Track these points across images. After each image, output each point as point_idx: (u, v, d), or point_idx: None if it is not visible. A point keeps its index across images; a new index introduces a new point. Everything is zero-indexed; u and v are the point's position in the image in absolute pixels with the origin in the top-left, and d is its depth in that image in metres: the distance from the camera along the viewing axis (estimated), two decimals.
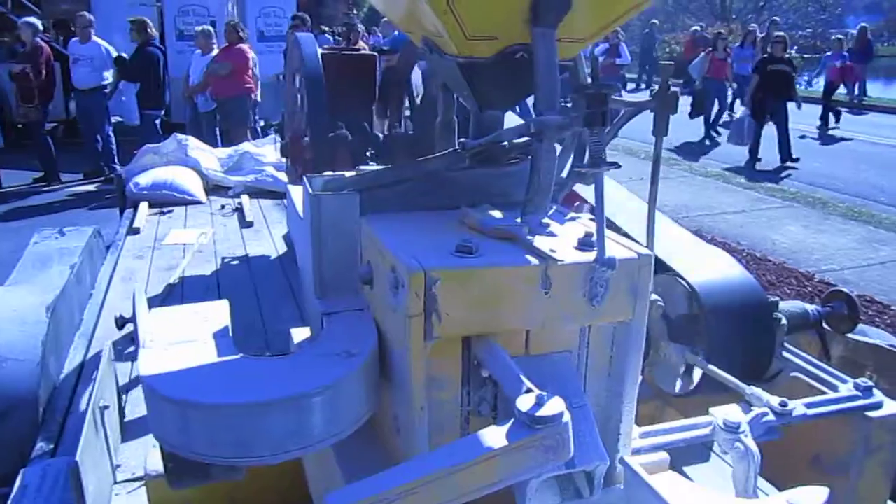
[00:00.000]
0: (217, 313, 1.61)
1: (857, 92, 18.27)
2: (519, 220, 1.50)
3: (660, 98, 1.78)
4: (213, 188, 6.07)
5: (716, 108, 13.94)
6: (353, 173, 1.82)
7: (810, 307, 2.26)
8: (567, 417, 1.13)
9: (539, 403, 1.13)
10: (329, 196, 1.56)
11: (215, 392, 1.25)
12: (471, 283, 1.27)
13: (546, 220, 1.51)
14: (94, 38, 9.14)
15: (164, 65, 9.48)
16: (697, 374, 1.97)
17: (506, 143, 1.62)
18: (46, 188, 9.12)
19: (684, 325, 2.00)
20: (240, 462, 1.30)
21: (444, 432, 1.39)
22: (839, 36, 16.17)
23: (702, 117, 13.74)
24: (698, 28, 18.73)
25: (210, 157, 6.26)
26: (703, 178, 10.58)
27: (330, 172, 1.89)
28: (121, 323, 1.78)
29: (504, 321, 1.32)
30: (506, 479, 1.12)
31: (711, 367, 1.87)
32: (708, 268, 2.09)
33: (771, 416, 1.64)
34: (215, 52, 9.27)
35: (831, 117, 14.89)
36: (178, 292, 3.91)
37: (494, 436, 1.11)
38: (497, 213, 1.56)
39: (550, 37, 1.43)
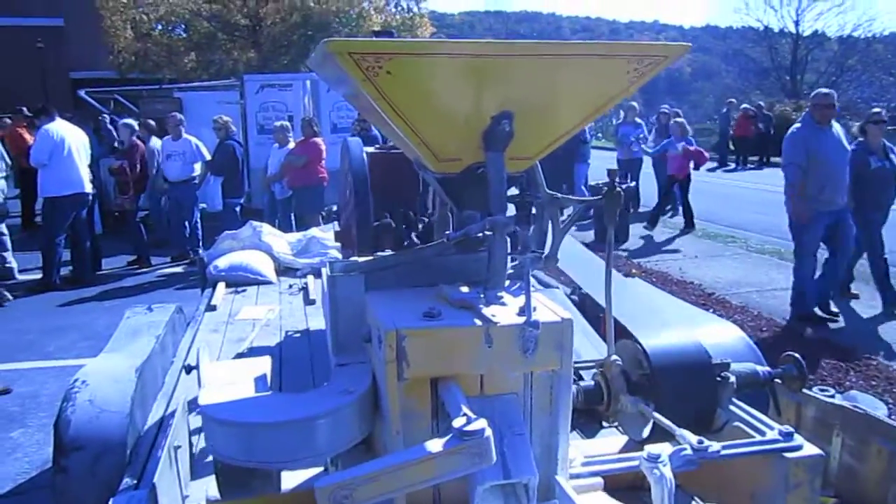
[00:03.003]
0: (260, 365, 2.14)
1: None
2: (482, 294, 1.99)
3: (609, 197, 2.28)
4: (284, 270, 6.71)
5: None
6: (369, 258, 2.35)
7: (761, 368, 2.63)
8: (489, 433, 1.59)
9: (468, 422, 1.60)
10: (341, 276, 2.10)
11: (248, 415, 1.77)
12: (431, 338, 1.77)
13: (502, 293, 2.00)
14: (185, 135, 10.21)
15: (243, 157, 10.44)
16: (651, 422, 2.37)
17: (480, 234, 2.13)
18: (139, 270, 10.07)
19: (640, 382, 2.41)
20: (264, 465, 1.80)
21: None
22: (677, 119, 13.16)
23: None
24: (748, 105, 18.77)
25: (281, 242, 6.93)
26: (758, 255, 10.75)
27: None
28: (188, 369, 2.33)
29: (458, 367, 1.80)
30: (443, 476, 1.58)
31: (656, 414, 2.27)
32: (663, 334, 2.51)
33: (689, 451, 2.04)
34: (291, 144, 10.19)
35: None
36: None
37: (435, 444, 1.58)
38: (465, 289, 2.06)
39: (499, 158, 1.96)
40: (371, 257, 2.33)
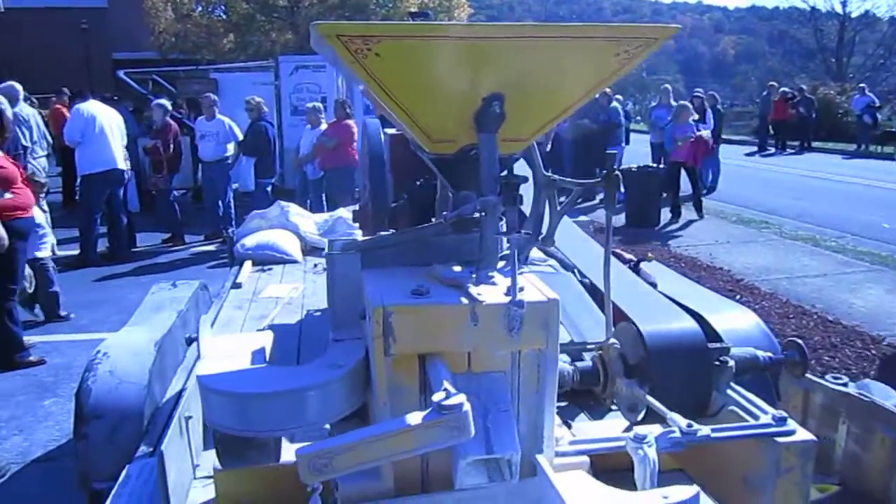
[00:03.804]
0: (260, 339, 2.21)
1: None
2: (473, 274, 2.03)
3: (608, 179, 2.30)
4: (311, 249, 6.80)
5: None
6: (368, 237, 2.40)
7: (762, 353, 2.63)
8: (467, 407, 1.63)
9: (447, 396, 1.64)
10: (339, 255, 2.15)
11: (242, 385, 1.84)
12: (418, 315, 1.81)
13: (494, 273, 2.03)
14: (219, 115, 10.37)
15: (275, 138, 10.58)
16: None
17: (477, 214, 2.16)
18: (173, 248, 10.30)
19: (637, 365, 2.43)
20: (256, 434, 1.87)
21: None
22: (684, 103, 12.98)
23: None
24: (787, 89, 18.34)
25: (308, 222, 7.02)
26: (791, 242, 10.60)
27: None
28: (189, 341, 2.41)
29: (444, 344, 1.85)
30: (421, 448, 1.63)
31: (649, 398, 2.29)
32: (661, 319, 2.52)
33: (677, 434, 2.06)
34: (323, 125, 10.28)
35: None
36: None
37: (415, 417, 1.63)
38: (458, 268, 2.09)
39: (491, 140, 1.98)
40: (370, 236, 2.39)
